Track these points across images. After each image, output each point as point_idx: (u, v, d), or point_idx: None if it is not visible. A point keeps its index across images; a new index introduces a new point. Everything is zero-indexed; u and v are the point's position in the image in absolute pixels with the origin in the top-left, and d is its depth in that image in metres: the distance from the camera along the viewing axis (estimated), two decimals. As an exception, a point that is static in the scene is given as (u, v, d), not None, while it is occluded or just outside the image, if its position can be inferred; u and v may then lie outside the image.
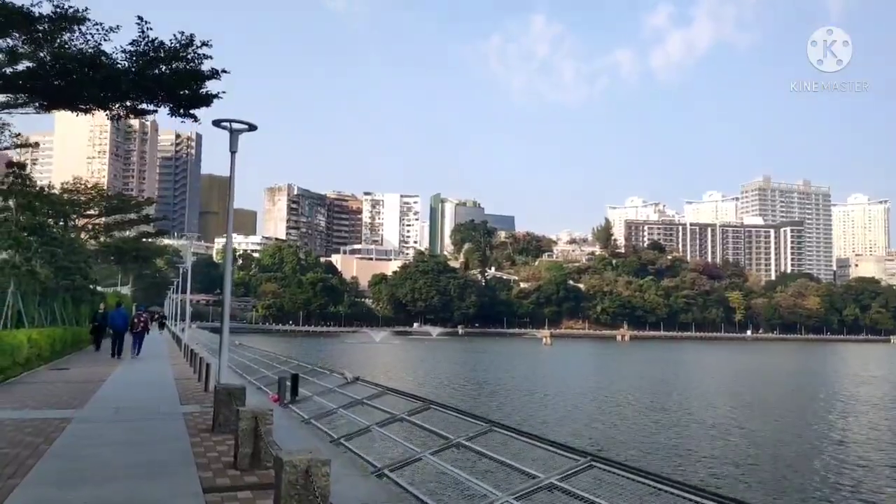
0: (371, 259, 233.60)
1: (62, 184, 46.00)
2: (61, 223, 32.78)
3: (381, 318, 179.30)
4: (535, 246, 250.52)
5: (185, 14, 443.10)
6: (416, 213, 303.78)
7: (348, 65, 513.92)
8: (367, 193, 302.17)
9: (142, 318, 28.87)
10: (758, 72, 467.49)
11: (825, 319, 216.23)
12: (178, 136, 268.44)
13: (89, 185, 49.26)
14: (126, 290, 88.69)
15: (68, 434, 9.22)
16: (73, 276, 28.63)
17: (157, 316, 75.68)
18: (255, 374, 21.43)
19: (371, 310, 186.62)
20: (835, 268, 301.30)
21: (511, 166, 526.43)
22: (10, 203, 21.68)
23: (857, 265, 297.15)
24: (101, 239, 49.83)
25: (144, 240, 60.23)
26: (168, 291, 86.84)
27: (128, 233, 56.92)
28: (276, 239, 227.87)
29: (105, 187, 58.61)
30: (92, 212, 48.10)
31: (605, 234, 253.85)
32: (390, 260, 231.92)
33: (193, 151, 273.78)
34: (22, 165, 22.32)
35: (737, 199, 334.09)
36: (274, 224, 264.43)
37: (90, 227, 48.63)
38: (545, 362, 70.01)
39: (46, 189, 26.53)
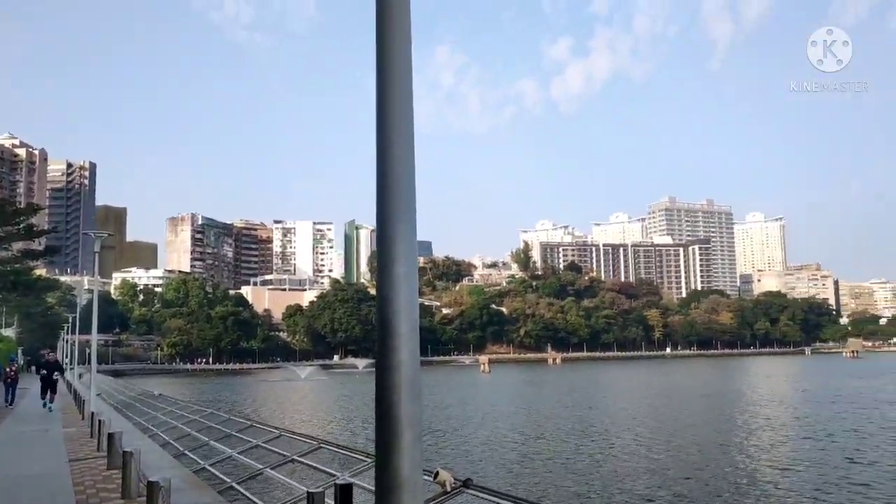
0: (284, 290, 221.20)
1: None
2: None
3: (298, 351, 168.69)
4: (455, 271, 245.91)
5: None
6: (330, 241, 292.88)
7: (255, 100, 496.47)
8: (277, 222, 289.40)
9: (13, 368, 31.48)
10: (656, 98, 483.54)
11: (738, 334, 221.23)
12: (69, 165, 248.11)
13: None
14: (10, 332, 76.29)
15: None
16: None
17: (45, 360, 62.92)
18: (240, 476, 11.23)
19: (287, 343, 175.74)
20: (739, 283, 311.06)
21: (424, 192, 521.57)
22: None
23: (759, 280, 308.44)
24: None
25: (29, 262, 48.28)
26: (61, 332, 75.37)
27: (8, 252, 45.17)
28: (180, 272, 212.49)
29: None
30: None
31: (524, 257, 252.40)
32: (305, 290, 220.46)
33: (87, 182, 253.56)
34: None
35: (643, 219, 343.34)
36: (177, 256, 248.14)
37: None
38: (509, 393, 63.61)
39: None
